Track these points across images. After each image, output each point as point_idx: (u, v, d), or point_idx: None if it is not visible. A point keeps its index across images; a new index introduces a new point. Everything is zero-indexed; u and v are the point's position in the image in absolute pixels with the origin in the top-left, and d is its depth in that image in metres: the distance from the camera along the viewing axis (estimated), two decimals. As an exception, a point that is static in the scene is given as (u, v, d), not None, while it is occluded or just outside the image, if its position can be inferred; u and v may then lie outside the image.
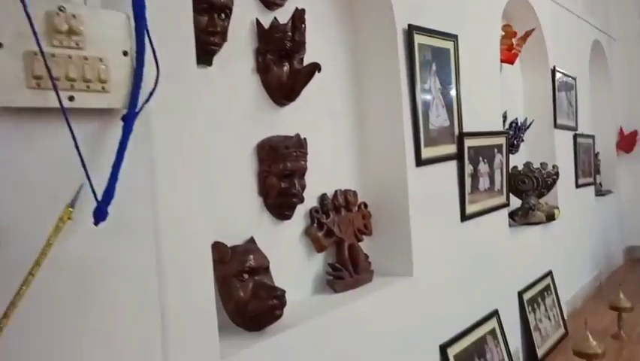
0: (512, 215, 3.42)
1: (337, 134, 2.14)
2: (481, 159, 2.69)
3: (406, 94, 2.16)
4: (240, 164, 1.74)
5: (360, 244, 2.13)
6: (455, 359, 2.31)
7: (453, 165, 2.50)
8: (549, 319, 3.30)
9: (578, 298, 4.07)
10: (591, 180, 4.54)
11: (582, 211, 4.30)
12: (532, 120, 3.56)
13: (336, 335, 1.75)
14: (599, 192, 5.14)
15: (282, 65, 1.83)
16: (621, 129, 5.45)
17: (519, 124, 3.37)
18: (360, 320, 1.88)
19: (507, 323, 2.86)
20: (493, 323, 2.67)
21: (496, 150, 2.84)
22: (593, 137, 4.53)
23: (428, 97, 2.29)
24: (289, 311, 1.61)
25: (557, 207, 3.60)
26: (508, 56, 3.34)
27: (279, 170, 1.77)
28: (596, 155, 5.27)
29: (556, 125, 3.72)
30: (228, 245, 1.59)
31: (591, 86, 5.32)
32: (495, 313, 2.71)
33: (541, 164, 3.37)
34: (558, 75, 3.78)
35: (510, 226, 3.37)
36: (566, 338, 3.43)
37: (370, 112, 2.24)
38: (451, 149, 2.46)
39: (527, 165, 3.35)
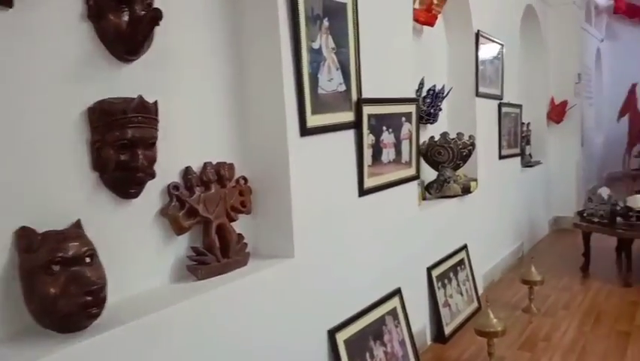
0: (428, 188, 3.28)
1: (206, 97, 1.85)
2: (385, 128, 2.48)
3: (288, 52, 1.89)
4: (65, 133, 1.43)
5: (235, 223, 1.89)
6: (346, 344, 2.16)
7: (350, 134, 2.27)
8: (461, 294, 3.22)
9: (498, 271, 4.05)
10: (517, 150, 4.48)
11: (506, 183, 4.24)
12: (451, 88, 3.37)
13: (183, 331, 1.52)
14: (528, 163, 5.14)
15: (121, 11, 1.51)
16: (552, 99, 5.42)
17: (436, 91, 3.18)
18: (223, 310, 1.66)
19: (414, 300, 2.75)
20: (394, 303, 2.54)
21: (403, 119, 2.64)
22: (520, 106, 4.44)
23: (317, 57, 2.03)
24: (131, 304, 1.41)
25: (475, 180, 3.49)
26: (427, 17, 3.12)
27: (115, 139, 1.47)
28: (527, 125, 5.24)
29: (478, 94, 3.57)
30: (47, 231, 1.32)
31: (524, 54, 5.23)
32: (397, 292, 2.57)
33: (457, 134, 3.21)
34: (482, 40, 3.60)
35: (426, 199, 3.25)
36: (479, 312, 3.38)
37: (249, 72, 1.96)
38: (348, 117, 2.23)
39: (444, 135, 3.19)
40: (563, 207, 5.48)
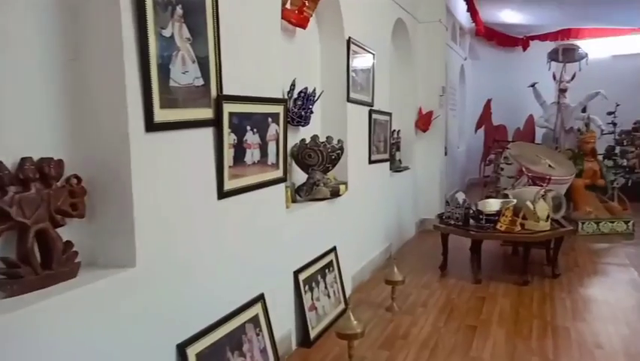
0: (298, 190, 3.26)
1: (28, 83, 1.58)
2: (249, 128, 2.38)
3: (131, 37, 1.69)
4: None
5: (63, 229, 1.63)
6: (198, 358, 2.00)
7: (208, 133, 2.13)
8: (328, 296, 3.25)
9: (367, 272, 4.18)
10: (387, 156, 4.69)
11: (376, 187, 4.42)
12: (322, 91, 3.40)
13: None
14: (398, 169, 5.43)
15: None
16: (420, 109, 5.81)
17: (308, 94, 3.17)
18: (37, 331, 1.40)
19: (279, 306, 2.69)
20: (256, 310, 2.44)
21: (270, 120, 2.56)
22: (390, 114, 4.67)
23: (169, 47, 1.86)
24: None
25: (345, 183, 3.56)
26: (299, 19, 3.09)
27: None
28: (397, 132, 5.54)
29: (349, 99, 3.65)
30: None
31: (395, 65, 5.53)
32: (260, 299, 2.48)
33: (327, 138, 3.24)
34: (354, 48, 3.69)
35: (296, 201, 3.22)
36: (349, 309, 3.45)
37: (86, 57, 1.71)
38: (206, 113, 2.08)
39: (314, 138, 3.19)
40: (428, 210, 5.88)
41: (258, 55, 2.47)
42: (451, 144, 8.08)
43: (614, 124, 7.29)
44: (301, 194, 3.24)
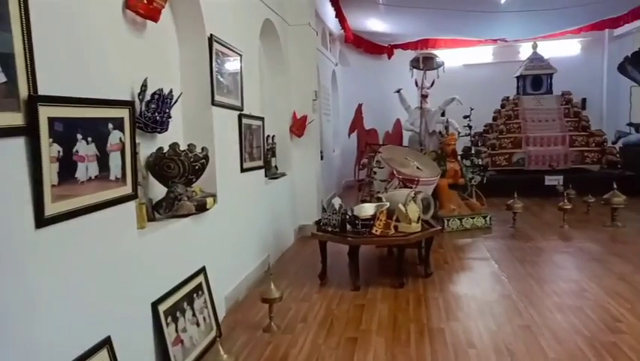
0: (157, 207, 2.83)
1: None
2: (80, 136, 1.92)
3: None
4: None
5: None
6: None
7: (17, 144, 1.65)
8: (197, 324, 2.87)
9: (243, 289, 3.87)
10: (261, 163, 4.44)
11: (250, 196, 4.14)
12: (181, 93, 3.01)
13: None
14: (274, 175, 5.21)
15: None
16: (294, 114, 5.67)
17: (163, 96, 2.77)
18: None
19: (134, 347, 2.26)
20: (101, 357, 2.00)
21: (111, 126, 2.13)
22: (262, 119, 4.42)
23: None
24: None
25: (214, 195, 3.22)
26: (149, 10, 2.67)
27: None
28: (273, 138, 5.33)
29: (214, 103, 3.32)
30: None
31: (268, 69, 5.32)
32: (105, 343, 2.03)
33: (188, 145, 2.87)
34: (218, 47, 3.37)
35: (156, 219, 2.79)
36: (220, 339, 3.10)
37: None
38: (12, 119, 1.61)
39: (173, 146, 2.80)
40: (307, 216, 5.76)
41: (91, 48, 2.03)
42: (327, 148, 8.14)
43: (470, 127, 7.96)
44: (160, 211, 2.82)
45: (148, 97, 2.71)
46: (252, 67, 4.29)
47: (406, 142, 8.89)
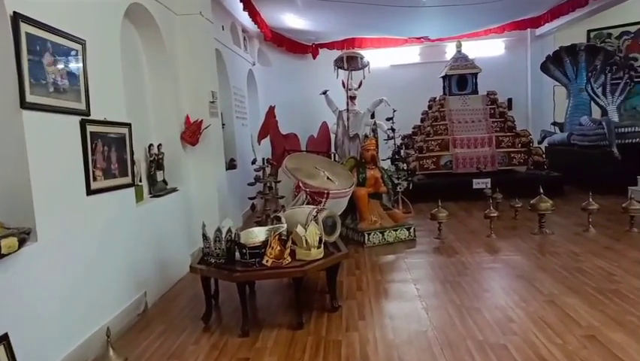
0: None
1: None
2: None
3: None
4: None
5: None
6: None
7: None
8: None
9: (95, 346, 2.98)
10: (128, 180, 3.57)
11: (107, 223, 3.26)
12: None
13: None
14: (160, 192, 4.36)
15: None
16: (188, 118, 4.83)
17: None
18: None
19: None
20: None
21: None
22: (128, 125, 3.56)
23: None
24: None
25: (25, 232, 2.35)
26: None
27: None
28: (159, 147, 4.47)
29: (25, 105, 2.44)
30: None
31: (149, 65, 4.47)
32: None
33: None
34: (32, 29, 2.50)
35: None
36: None
37: None
38: None
39: None
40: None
41: None
42: (242, 157, 7.35)
43: (393, 130, 7.48)
44: None
45: None
46: (110, 60, 3.42)
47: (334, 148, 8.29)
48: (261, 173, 3.70)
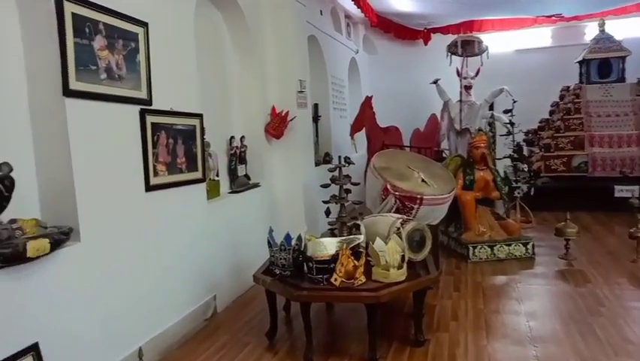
0: None
1: None
2: None
3: None
4: None
5: None
6: None
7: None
8: None
9: (154, 351, 2.75)
10: (198, 175, 3.30)
11: (170, 222, 3.01)
12: None
13: None
14: (240, 187, 4.08)
15: None
16: (274, 109, 4.49)
17: None
18: None
19: None
20: None
21: None
22: (199, 116, 3.28)
23: None
24: None
25: (64, 232, 2.13)
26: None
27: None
28: (242, 139, 4.20)
29: (68, 92, 2.21)
30: None
31: (234, 53, 4.20)
32: None
33: None
34: (81, 9, 2.27)
35: None
36: None
37: None
38: None
39: (-54, 162, 1.73)
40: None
41: None
42: (339, 151, 6.90)
43: (512, 124, 6.40)
44: None
45: None
46: (180, 46, 3.16)
47: (445, 142, 7.46)
48: (336, 173, 3.18)
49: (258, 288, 4.04)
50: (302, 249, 2.86)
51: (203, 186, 3.41)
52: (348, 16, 7.75)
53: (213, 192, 3.72)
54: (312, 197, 5.00)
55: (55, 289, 2.13)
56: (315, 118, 6.06)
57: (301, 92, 4.67)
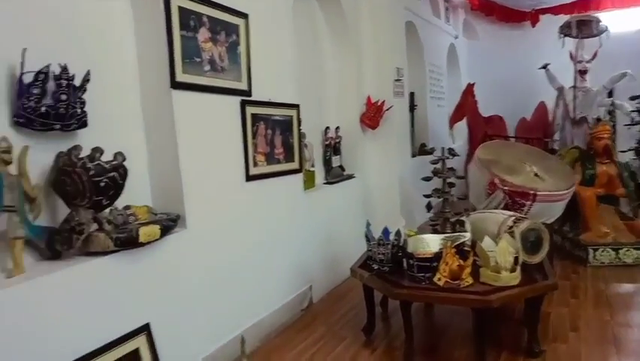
0: (53, 242, 1.90)
1: None
2: None
3: None
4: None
5: None
6: None
7: None
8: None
9: (254, 339, 2.78)
10: (294, 165, 3.28)
11: (267, 211, 3.01)
12: (88, 71, 1.97)
13: None
14: (335, 179, 4.03)
15: None
16: (369, 99, 4.35)
17: (59, 74, 1.82)
18: None
19: None
20: None
21: None
22: (296, 107, 3.25)
23: None
24: None
25: (172, 219, 2.20)
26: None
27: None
28: (337, 130, 4.15)
29: (175, 84, 2.27)
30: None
31: (330, 41, 4.13)
32: None
33: (92, 150, 1.88)
34: (187, 4, 2.32)
35: (61, 258, 1.88)
36: None
37: None
38: None
39: (70, 153, 1.84)
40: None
41: None
42: (436, 142, 6.57)
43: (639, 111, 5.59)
44: (57, 247, 1.89)
45: (30, 78, 1.78)
46: (279, 36, 3.14)
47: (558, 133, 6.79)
48: (439, 165, 2.96)
49: (352, 281, 3.95)
50: (401, 244, 2.71)
51: (300, 176, 3.39)
52: (447, 0, 7.33)
53: (309, 182, 3.69)
54: (408, 190, 4.80)
55: (163, 274, 2.22)
56: (412, 107, 5.82)
57: (398, 80, 4.48)
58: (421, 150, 5.93)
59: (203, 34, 2.43)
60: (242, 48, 2.72)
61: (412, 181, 4.96)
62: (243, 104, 2.74)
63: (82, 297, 1.83)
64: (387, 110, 4.32)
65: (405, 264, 2.65)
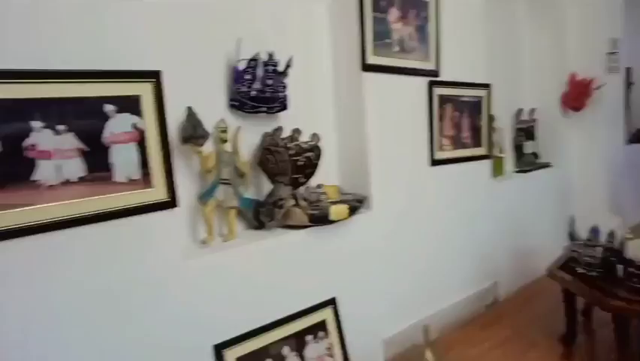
0: (259, 214, 2.11)
1: None
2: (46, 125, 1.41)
3: None
4: None
5: None
6: None
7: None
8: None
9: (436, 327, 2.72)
10: (482, 151, 3.04)
11: (449, 199, 2.86)
12: (291, 57, 2.09)
13: None
14: (528, 166, 3.64)
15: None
16: (573, 76, 3.79)
17: (267, 61, 1.99)
18: None
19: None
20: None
21: (111, 107, 1.53)
22: (487, 87, 3.00)
23: None
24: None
25: (359, 199, 2.25)
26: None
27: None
28: (532, 112, 3.74)
29: (366, 67, 2.29)
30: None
31: (525, 14, 3.73)
32: None
33: (293, 131, 2.00)
34: (380, -17, 2.30)
35: (263, 228, 2.10)
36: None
37: None
38: None
39: (274, 134, 2.00)
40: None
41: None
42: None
43: None
44: (262, 218, 2.09)
45: (243, 66, 1.99)
46: (470, 12, 2.92)
47: None
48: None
49: (544, 281, 3.54)
50: (616, 247, 2.29)
51: (488, 163, 3.14)
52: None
53: (497, 170, 3.40)
54: (619, 183, 4.07)
55: (349, 253, 2.28)
56: (627, 85, 4.90)
57: (612, 53, 3.79)
58: (638, 136, 4.96)
59: (393, 14, 2.40)
60: (431, 26, 2.61)
61: (625, 173, 4.19)
62: (431, 85, 2.63)
63: (282, 265, 1.99)
64: (597, 88, 3.70)
65: (621, 271, 2.23)
